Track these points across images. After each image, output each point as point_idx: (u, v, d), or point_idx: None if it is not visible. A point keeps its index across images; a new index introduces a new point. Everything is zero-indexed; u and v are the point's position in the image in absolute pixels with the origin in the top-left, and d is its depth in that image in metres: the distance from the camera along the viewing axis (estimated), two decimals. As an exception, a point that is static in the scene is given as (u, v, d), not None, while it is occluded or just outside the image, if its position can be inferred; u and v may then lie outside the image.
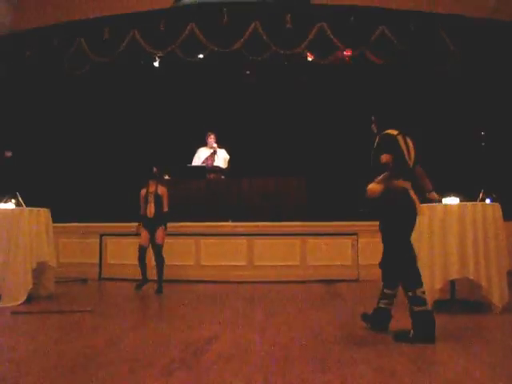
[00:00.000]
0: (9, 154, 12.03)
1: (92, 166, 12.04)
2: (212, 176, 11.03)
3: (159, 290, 8.01)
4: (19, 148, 11.88)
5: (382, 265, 4.95)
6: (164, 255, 8.28)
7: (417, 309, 4.54)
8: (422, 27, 10.51)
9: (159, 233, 8.21)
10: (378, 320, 4.99)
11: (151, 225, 8.24)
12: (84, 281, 9.57)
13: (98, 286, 9.53)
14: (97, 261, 10.29)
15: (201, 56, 11.35)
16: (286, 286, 8.65)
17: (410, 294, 4.59)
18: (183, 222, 9.73)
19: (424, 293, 4.64)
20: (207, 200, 10.37)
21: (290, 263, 9.51)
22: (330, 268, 9.32)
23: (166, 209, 8.33)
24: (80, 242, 10.36)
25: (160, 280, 8.10)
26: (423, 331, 4.48)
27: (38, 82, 11.99)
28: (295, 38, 10.51)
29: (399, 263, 4.73)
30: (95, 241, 10.37)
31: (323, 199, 10.67)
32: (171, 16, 10.91)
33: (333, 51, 10.71)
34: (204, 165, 11.13)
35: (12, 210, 7.14)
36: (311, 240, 9.59)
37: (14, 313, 6.08)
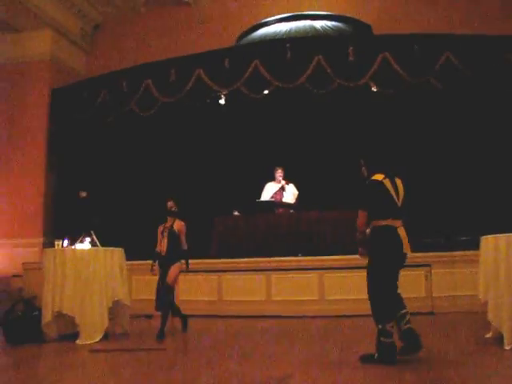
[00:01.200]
0: (84, 194, 12.44)
1: (162, 204, 12.25)
2: (281, 211, 11.04)
3: (159, 336, 7.09)
4: (93, 188, 12.27)
5: (374, 302, 5.29)
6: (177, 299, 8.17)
7: (384, 340, 5.03)
8: (488, 52, 10.27)
9: (171, 272, 7.53)
10: (411, 342, 5.17)
11: (164, 263, 7.63)
12: (149, 316, 9.71)
13: (171, 323, 9.60)
14: (168, 297, 10.39)
15: (266, 92, 11.47)
16: (358, 320, 8.48)
17: (380, 326, 5.07)
18: (252, 257, 9.77)
19: (392, 327, 5.10)
20: (276, 234, 10.37)
21: (362, 297, 9.30)
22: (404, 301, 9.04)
23: (183, 246, 7.75)
24: (151, 279, 10.51)
25: (162, 324, 7.24)
26: (387, 357, 5.01)
27: (110, 124, 12.44)
28: (359, 70, 10.45)
29: (376, 297, 5.18)
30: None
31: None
32: (235, 54, 11.12)
33: (397, 81, 10.55)
34: (273, 199, 11.17)
35: (88, 250, 7.35)
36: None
37: (92, 351, 6.20)
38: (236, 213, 11.38)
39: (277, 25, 12.15)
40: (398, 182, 5.37)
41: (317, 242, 10.05)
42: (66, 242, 7.50)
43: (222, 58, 10.98)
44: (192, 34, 13.12)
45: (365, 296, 9.06)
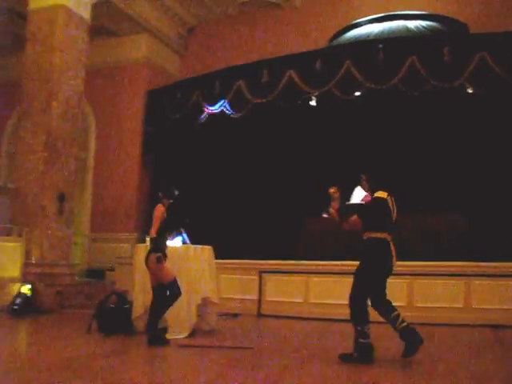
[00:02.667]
0: (176, 192, 12.75)
1: (252, 204, 12.35)
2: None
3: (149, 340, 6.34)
4: (185, 187, 12.54)
5: (353, 305, 5.58)
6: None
7: (362, 341, 5.41)
8: None
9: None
10: (411, 338, 5.49)
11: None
12: (235, 315, 9.80)
13: (258, 323, 9.68)
14: (256, 297, 10.50)
15: (357, 93, 11.31)
16: (446, 330, 8.20)
17: (359, 328, 5.43)
18: (340, 260, 9.69)
19: (369, 329, 5.45)
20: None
21: (452, 305, 9.02)
22: (497, 312, 8.68)
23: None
24: (240, 279, 10.67)
25: (149, 325, 6.47)
26: (365, 356, 5.38)
27: (202, 124, 12.69)
28: (454, 71, 10.09)
29: (359, 301, 5.50)
30: (254, 278, 10.62)
31: (485, 236, 10.00)
32: (327, 55, 11.06)
33: (495, 82, 10.08)
34: (362, 202, 10.99)
35: (178, 247, 7.50)
36: (475, 281, 9.01)
37: (180, 346, 6.32)
38: (325, 215, 11.29)
39: (369, 25, 11.96)
40: (392, 199, 5.82)
41: (407, 247, 9.79)
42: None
43: (314, 59, 10.95)
44: (284, 36, 13.16)
45: (454, 304, 8.91)
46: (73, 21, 11.14)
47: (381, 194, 5.76)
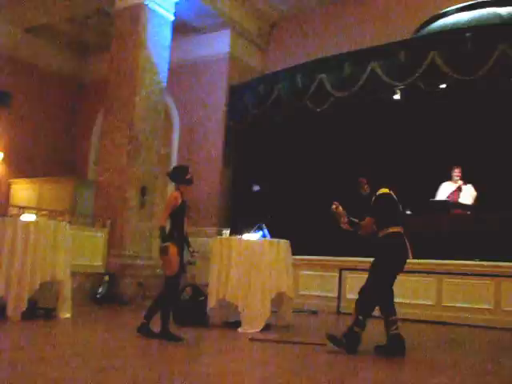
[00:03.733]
0: (257, 188, 12.77)
1: (331, 200, 12.11)
2: (456, 212, 10.39)
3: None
4: (266, 182, 12.52)
5: (363, 295, 5.64)
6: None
7: (356, 330, 5.47)
8: None
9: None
10: (394, 346, 5.52)
11: (183, 245, 6.23)
12: (314, 312, 9.64)
13: (336, 320, 9.50)
14: (335, 294, 10.33)
15: (443, 86, 10.84)
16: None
17: (361, 317, 5.49)
18: (423, 258, 9.31)
19: (366, 320, 5.53)
20: (450, 236, 9.76)
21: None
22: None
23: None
24: (320, 276, 10.52)
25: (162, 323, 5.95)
26: (351, 345, 5.46)
27: (284, 119, 12.59)
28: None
29: (371, 293, 5.55)
30: (335, 275, 10.44)
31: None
32: (410, 46, 10.64)
33: None
34: (448, 199, 10.56)
35: (254, 240, 7.44)
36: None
37: (252, 339, 6.26)
38: (408, 212, 10.93)
39: (457, 14, 11.38)
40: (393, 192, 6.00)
41: (495, 247, 9.29)
42: (228, 232, 7.69)
43: (397, 51, 10.56)
44: (367, 29, 12.80)
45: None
46: (156, 18, 11.36)
47: (383, 190, 5.96)
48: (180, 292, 7.63)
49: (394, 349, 5.51)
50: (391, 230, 5.72)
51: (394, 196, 5.97)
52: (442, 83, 10.64)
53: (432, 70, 10.25)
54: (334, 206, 6.39)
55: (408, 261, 9.37)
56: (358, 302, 5.64)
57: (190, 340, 6.13)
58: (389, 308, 5.70)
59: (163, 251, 5.81)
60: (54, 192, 13.07)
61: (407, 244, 5.73)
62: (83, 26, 14.99)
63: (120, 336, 6.20)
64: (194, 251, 6.44)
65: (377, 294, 5.61)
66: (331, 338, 5.56)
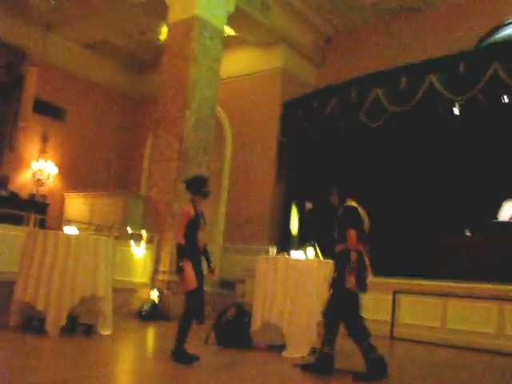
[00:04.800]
0: (310, 205, 12.42)
1: (388, 219, 11.64)
2: (520, 235, 9.78)
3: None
4: (320, 200, 12.14)
5: (326, 315, 5.56)
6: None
7: (327, 350, 5.42)
8: None
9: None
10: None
11: (200, 260, 5.83)
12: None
13: (389, 346, 9.01)
14: (389, 319, 9.84)
15: (506, 99, 10.29)
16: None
17: (331, 337, 5.45)
18: (483, 283, 8.77)
19: (334, 340, 5.51)
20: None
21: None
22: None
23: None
24: (372, 298, 10.03)
25: (178, 341, 5.59)
26: (325, 366, 5.40)
27: (338, 134, 12.25)
28: None
29: (333, 309, 5.46)
30: (388, 297, 9.96)
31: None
32: (471, 58, 10.15)
33: None
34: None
35: (301, 259, 7.09)
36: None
37: (295, 365, 5.90)
38: (468, 233, 10.39)
39: (520, 25, 10.87)
40: (362, 209, 5.71)
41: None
42: (274, 250, 7.36)
43: (457, 63, 10.08)
44: (426, 42, 12.35)
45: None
46: (207, 31, 11.22)
47: (352, 202, 5.69)
48: (224, 312, 7.38)
49: (374, 374, 5.26)
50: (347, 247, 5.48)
51: (361, 212, 5.69)
52: (505, 95, 10.10)
53: (494, 83, 9.73)
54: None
55: (468, 285, 8.95)
56: (324, 321, 5.54)
57: (232, 362, 5.88)
58: (361, 331, 5.48)
59: (178, 270, 5.56)
60: (105, 207, 13.07)
61: (366, 262, 5.53)
62: (138, 42, 15.14)
63: (159, 354, 5.94)
64: (213, 269, 6.02)
65: (340, 311, 5.46)
66: (303, 367, 5.51)
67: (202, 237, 5.78)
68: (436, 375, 6.40)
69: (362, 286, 5.48)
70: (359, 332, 5.44)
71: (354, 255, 5.40)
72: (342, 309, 5.46)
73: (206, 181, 6.04)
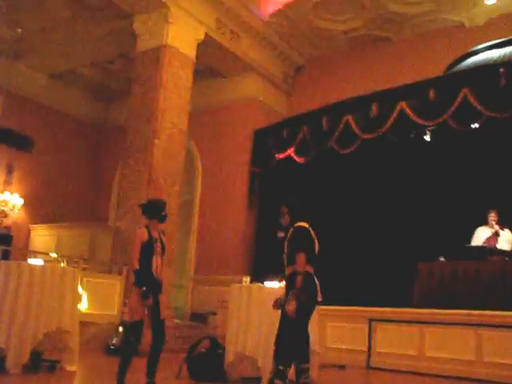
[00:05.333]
0: (282, 234, 12.23)
1: (360, 247, 11.53)
2: (494, 258, 9.71)
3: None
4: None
5: (277, 343, 5.18)
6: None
7: (277, 381, 5.02)
8: None
9: (166, 299, 5.77)
10: None
11: (157, 290, 5.42)
12: (341, 367, 8.94)
13: (366, 376, 8.80)
14: (365, 348, 9.63)
15: (475, 125, 10.34)
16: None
17: (281, 367, 5.04)
18: (459, 308, 8.65)
19: (287, 370, 5.12)
20: (489, 285, 9.10)
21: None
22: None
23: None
24: (348, 327, 9.83)
25: (152, 375, 5.43)
26: None
27: (309, 162, 12.20)
28: None
29: (283, 337, 5.13)
30: (364, 326, 9.77)
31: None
32: (441, 84, 10.24)
33: None
34: (485, 245, 9.91)
35: (275, 288, 6.86)
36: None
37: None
38: (442, 259, 10.30)
39: (488, 52, 10.98)
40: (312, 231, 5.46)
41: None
42: (248, 279, 7.15)
43: (427, 89, 10.14)
44: (395, 70, 12.47)
45: None
46: (177, 59, 11.17)
47: (302, 223, 5.43)
48: (196, 344, 7.11)
49: None
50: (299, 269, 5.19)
51: (311, 232, 5.40)
52: (475, 122, 10.15)
53: (464, 109, 9.81)
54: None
55: (444, 311, 8.80)
56: (274, 350, 5.19)
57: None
58: (303, 354, 5.22)
59: (143, 297, 5.20)
60: (73, 238, 12.77)
61: (316, 285, 5.27)
62: (106, 71, 14.97)
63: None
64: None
65: (290, 339, 5.11)
66: None
67: (158, 264, 5.41)
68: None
69: (300, 314, 5.12)
70: (282, 354, 5.12)
71: (299, 279, 5.13)
72: (288, 336, 5.14)
73: (164, 204, 5.67)
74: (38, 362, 6.51)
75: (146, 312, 5.31)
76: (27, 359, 6.18)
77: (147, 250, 5.37)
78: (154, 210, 5.54)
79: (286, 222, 5.65)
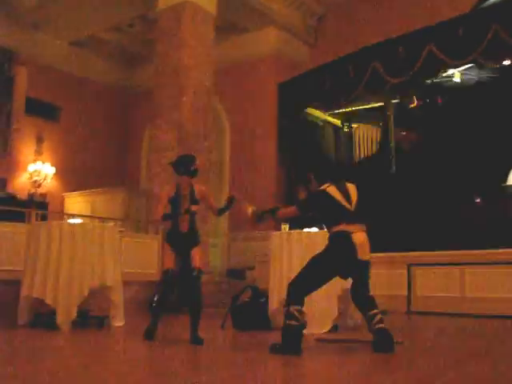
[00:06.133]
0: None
1: (396, 190, 11.37)
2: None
3: (196, 340, 5.26)
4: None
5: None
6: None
7: (290, 322, 4.83)
8: None
9: (196, 255, 5.52)
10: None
11: (184, 245, 5.53)
12: (384, 313, 8.92)
13: (408, 320, 8.81)
14: (405, 293, 9.63)
15: (507, 62, 10.07)
16: None
17: (290, 308, 4.88)
18: (500, 248, 8.56)
19: (301, 313, 4.89)
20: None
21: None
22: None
23: (231, 194, 5.89)
24: (387, 273, 9.81)
25: (196, 324, 5.37)
26: (291, 342, 4.75)
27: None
28: None
29: (296, 280, 5.03)
30: (403, 271, 9.74)
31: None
32: (469, 21, 9.93)
33: None
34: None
35: (314, 232, 6.83)
36: None
37: (318, 340, 5.69)
38: (478, 199, 10.18)
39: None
40: (350, 186, 5.25)
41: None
42: (287, 226, 7.13)
43: (456, 28, 9.84)
44: (420, 8, 12.07)
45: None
46: (199, 16, 11.01)
47: (322, 187, 5.17)
48: (239, 294, 7.15)
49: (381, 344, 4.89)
50: (333, 229, 5.06)
51: (334, 190, 5.09)
52: (506, 58, 9.87)
53: (495, 45, 9.49)
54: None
55: (484, 252, 8.70)
56: (287, 292, 5.05)
57: (245, 344, 5.74)
58: (368, 301, 5.23)
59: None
60: (106, 203, 12.81)
61: (353, 243, 4.93)
62: (127, 35, 14.85)
63: (175, 344, 5.68)
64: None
65: (302, 282, 4.99)
66: (271, 348, 4.78)
67: (186, 220, 5.44)
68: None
69: (344, 267, 5.09)
70: (293, 294, 4.98)
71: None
72: (302, 280, 5.03)
73: (192, 158, 5.60)
74: (86, 318, 6.64)
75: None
76: (75, 316, 6.29)
77: (174, 206, 5.42)
78: (183, 166, 5.49)
79: (314, 188, 5.39)
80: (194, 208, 5.46)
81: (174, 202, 5.43)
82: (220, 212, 5.78)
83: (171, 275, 5.48)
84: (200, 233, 5.67)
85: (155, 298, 5.64)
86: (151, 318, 5.56)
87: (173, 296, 5.74)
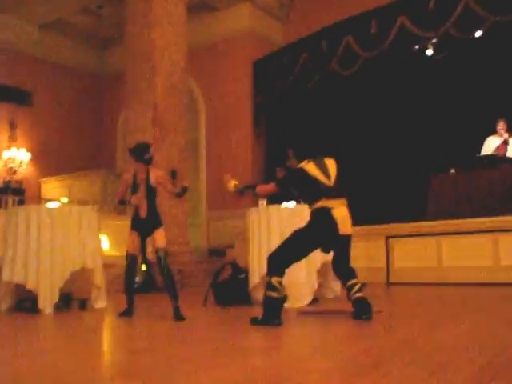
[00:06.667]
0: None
1: (371, 164, 11.51)
2: (505, 166, 9.71)
3: (178, 316, 5.44)
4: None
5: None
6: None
7: (270, 293, 4.84)
8: None
9: (160, 235, 5.71)
10: (361, 310, 4.98)
11: (145, 228, 5.77)
12: (364, 284, 9.07)
13: (387, 290, 8.96)
14: (383, 265, 9.77)
15: (479, 33, 10.15)
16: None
17: (270, 279, 4.88)
18: (473, 217, 8.71)
19: (280, 283, 4.92)
20: (500, 192, 9.14)
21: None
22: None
23: (184, 184, 5.95)
24: (365, 246, 9.94)
25: (175, 300, 5.55)
26: (271, 312, 4.80)
27: (312, 87, 12.05)
28: None
29: (276, 251, 5.07)
30: (381, 243, 9.87)
31: None
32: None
33: None
34: (495, 154, 9.89)
35: (292, 207, 6.90)
36: None
37: (300, 312, 5.80)
38: (453, 170, 10.31)
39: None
40: (329, 161, 5.23)
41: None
42: (265, 202, 7.16)
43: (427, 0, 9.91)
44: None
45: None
46: (170, -5, 10.89)
47: (306, 164, 5.13)
48: (219, 271, 7.22)
49: (360, 312, 5.01)
50: (314, 206, 5.09)
51: (311, 166, 5.08)
52: (478, 29, 9.95)
53: (466, 15, 9.58)
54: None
55: (459, 221, 8.85)
56: (267, 265, 5.08)
57: (228, 319, 5.82)
58: (347, 271, 5.28)
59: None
60: (83, 187, 12.79)
61: (333, 218, 4.97)
62: (96, 16, 14.66)
63: (158, 322, 5.75)
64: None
65: (284, 253, 5.02)
66: (252, 320, 4.88)
67: (144, 204, 5.68)
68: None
69: (321, 239, 5.18)
70: (274, 265, 4.98)
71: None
72: (283, 251, 5.06)
73: (147, 146, 5.88)
74: (69, 301, 6.66)
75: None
76: (58, 299, 6.31)
77: (133, 192, 5.75)
78: (139, 153, 5.75)
79: (294, 165, 5.47)
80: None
81: (132, 188, 5.75)
82: (178, 195, 6.00)
83: (131, 260, 5.89)
84: (160, 216, 5.87)
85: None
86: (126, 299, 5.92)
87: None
